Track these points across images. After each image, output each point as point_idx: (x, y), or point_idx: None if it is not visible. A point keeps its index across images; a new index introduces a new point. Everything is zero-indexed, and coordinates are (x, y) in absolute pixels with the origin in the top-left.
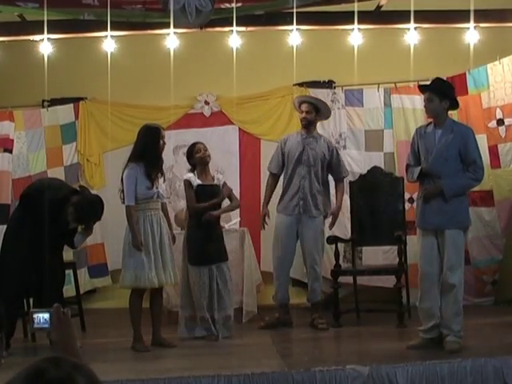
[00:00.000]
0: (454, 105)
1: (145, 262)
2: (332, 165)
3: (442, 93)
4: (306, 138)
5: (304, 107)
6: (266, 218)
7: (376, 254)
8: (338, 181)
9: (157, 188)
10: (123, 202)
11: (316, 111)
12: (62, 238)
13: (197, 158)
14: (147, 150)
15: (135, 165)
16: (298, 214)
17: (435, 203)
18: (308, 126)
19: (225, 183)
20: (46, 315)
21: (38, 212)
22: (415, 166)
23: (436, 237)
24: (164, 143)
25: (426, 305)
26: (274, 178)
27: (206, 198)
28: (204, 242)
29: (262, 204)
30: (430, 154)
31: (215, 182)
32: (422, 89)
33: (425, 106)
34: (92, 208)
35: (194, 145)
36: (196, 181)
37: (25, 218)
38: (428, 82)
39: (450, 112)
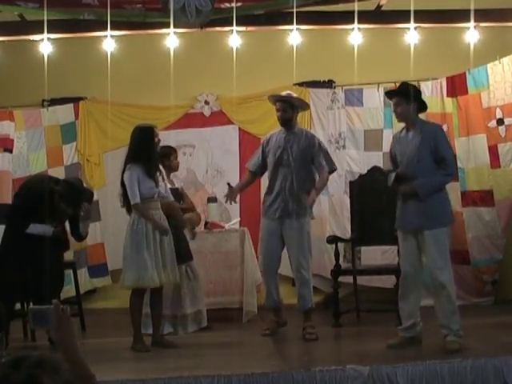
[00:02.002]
0: (422, 107)
1: (147, 261)
2: (313, 157)
3: (408, 96)
4: (286, 135)
5: (277, 106)
6: (230, 193)
7: (375, 254)
8: (322, 173)
9: (157, 187)
10: (122, 206)
11: (291, 107)
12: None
13: (174, 163)
14: (143, 151)
15: (134, 166)
16: (280, 216)
17: (413, 204)
18: (285, 123)
19: (182, 187)
20: (46, 312)
21: (26, 208)
22: (394, 171)
23: (416, 237)
24: (159, 140)
25: (406, 304)
26: (249, 175)
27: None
28: (179, 243)
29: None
30: (404, 157)
31: (176, 185)
32: (389, 95)
33: (394, 111)
34: (74, 193)
35: (175, 149)
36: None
37: (15, 214)
38: (427, 83)
39: (451, 112)
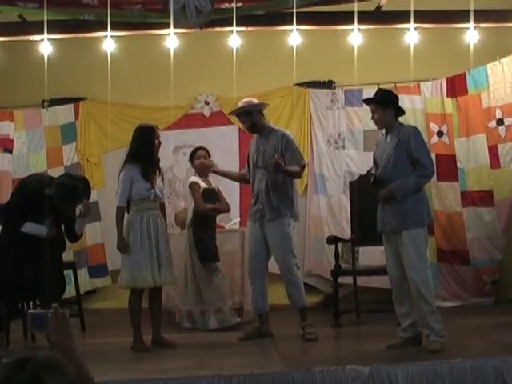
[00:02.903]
0: (399, 112)
1: (141, 261)
2: (285, 156)
3: (383, 102)
4: (258, 139)
5: (239, 120)
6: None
7: (373, 255)
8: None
9: (154, 188)
10: None
11: (247, 115)
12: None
13: (195, 163)
14: (142, 151)
15: (131, 166)
16: (260, 219)
17: (391, 206)
18: (252, 131)
19: (218, 188)
20: (45, 316)
21: (20, 205)
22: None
23: (396, 239)
24: (160, 142)
25: (400, 305)
26: (241, 173)
27: (209, 201)
28: (212, 241)
29: None
30: (382, 160)
31: (213, 185)
32: (366, 102)
33: (371, 118)
34: (66, 192)
35: (196, 149)
36: (202, 184)
37: (9, 212)
38: (428, 82)
39: (451, 112)
